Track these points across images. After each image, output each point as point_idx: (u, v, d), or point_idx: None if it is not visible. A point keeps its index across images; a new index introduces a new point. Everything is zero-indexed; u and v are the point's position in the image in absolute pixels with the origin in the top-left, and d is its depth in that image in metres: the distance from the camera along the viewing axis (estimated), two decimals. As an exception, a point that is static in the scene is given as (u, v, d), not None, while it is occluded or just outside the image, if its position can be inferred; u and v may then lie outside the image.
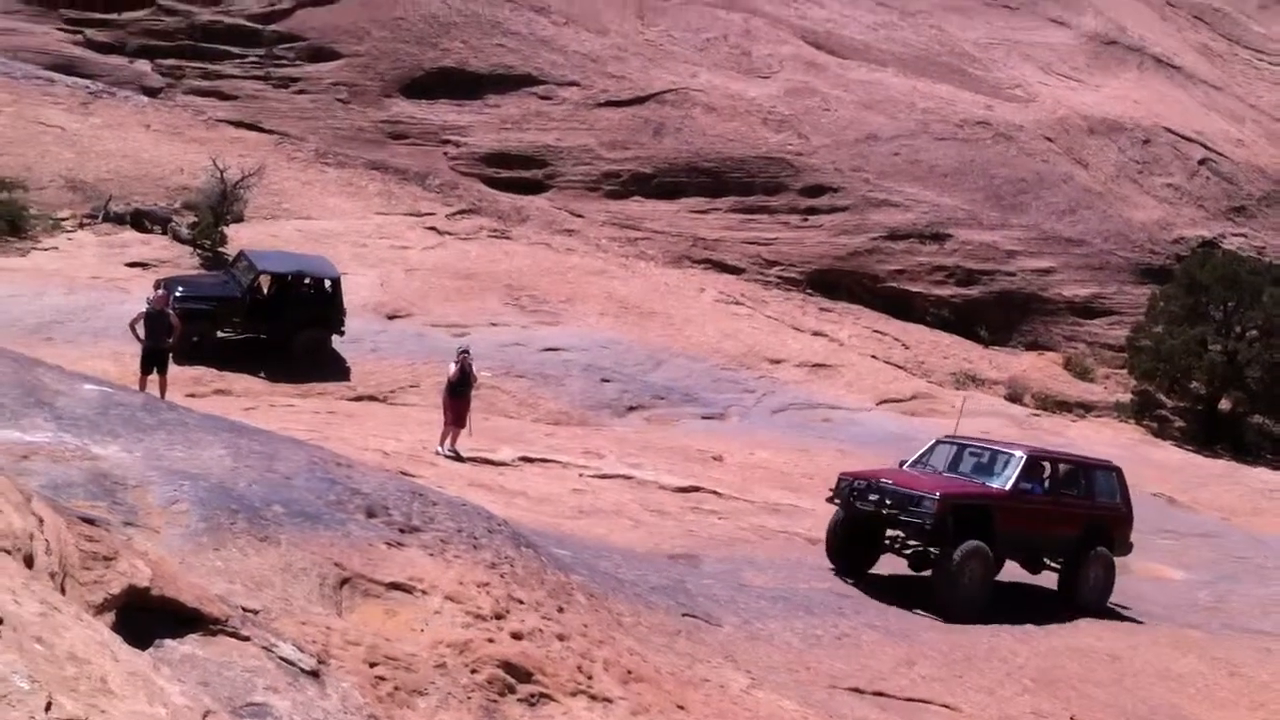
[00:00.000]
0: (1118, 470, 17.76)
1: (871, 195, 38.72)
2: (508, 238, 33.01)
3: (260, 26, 36.60)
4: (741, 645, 11.54)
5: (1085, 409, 35.39)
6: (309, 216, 30.62)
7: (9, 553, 4.62)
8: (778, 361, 30.19)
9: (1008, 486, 16.00)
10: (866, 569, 16.33)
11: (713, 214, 37.40)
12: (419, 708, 6.97)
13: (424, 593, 8.05)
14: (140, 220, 28.26)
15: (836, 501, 16.18)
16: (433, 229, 31.97)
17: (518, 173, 36.50)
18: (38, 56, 33.79)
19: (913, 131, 41.11)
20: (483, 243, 32.02)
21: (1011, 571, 16.58)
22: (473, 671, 7.49)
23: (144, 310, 18.47)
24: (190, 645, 5.82)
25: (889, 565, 16.63)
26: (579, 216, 36.02)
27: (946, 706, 11.79)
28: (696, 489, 19.51)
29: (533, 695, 7.75)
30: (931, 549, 15.72)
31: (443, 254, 30.44)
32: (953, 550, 15.07)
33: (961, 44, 48.07)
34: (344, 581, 7.73)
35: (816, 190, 38.43)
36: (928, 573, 15.97)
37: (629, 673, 8.70)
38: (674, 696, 8.93)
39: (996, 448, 17.26)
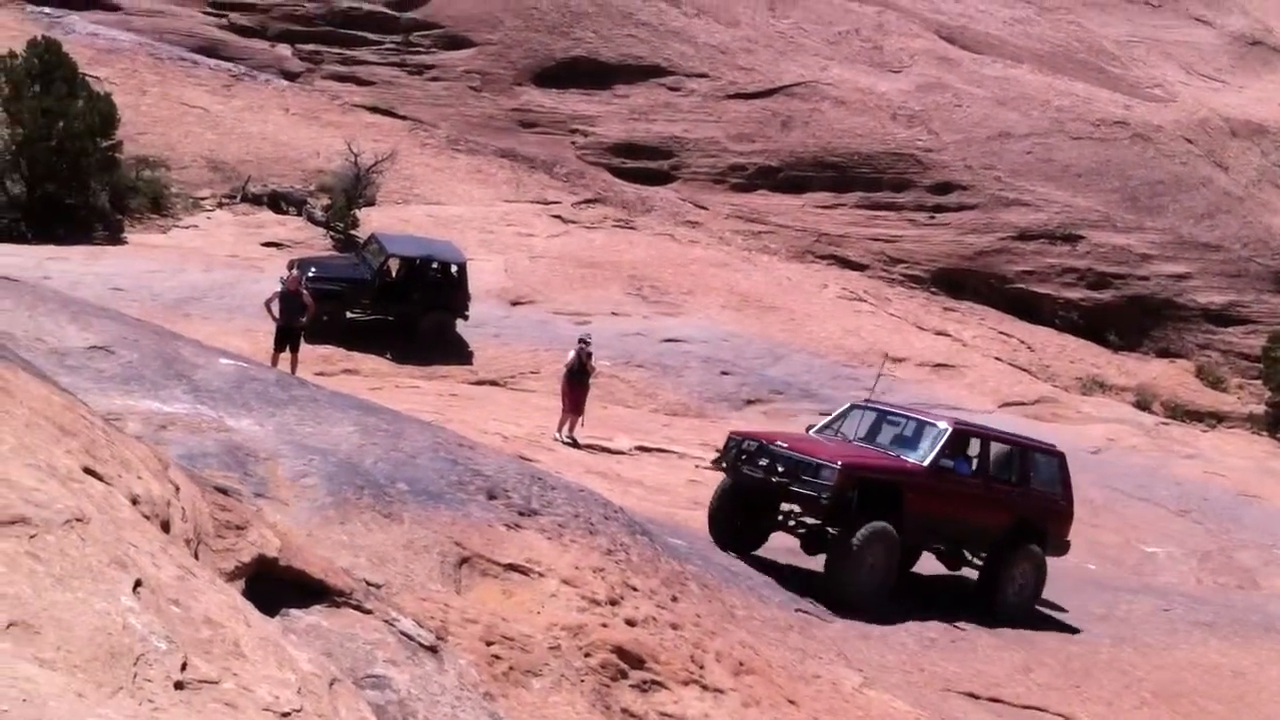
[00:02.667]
0: (1060, 456, 15.49)
1: (1002, 194, 38.03)
2: (632, 228, 33.14)
3: (397, 14, 37.21)
4: (854, 643, 11.48)
5: (1217, 419, 34.34)
6: (439, 202, 31.10)
7: (148, 518, 4.78)
8: (899, 360, 29.84)
9: (925, 462, 13.72)
10: (754, 547, 14.16)
11: (838, 209, 37.07)
12: (533, 688, 7.07)
13: (541, 575, 8.15)
14: (277, 201, 29.01)
15: (722, 466, 14.06)
16: (558, 217, 32.24)
17: (644, 163, 36.58)
18: (184, 39, 34.79)
19: (1047, 130, 40.27)
20: (607, 232, 32.20)
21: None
22: (586, 655, 7.57)
23: (278, 290, 18.98)
24: (315, 616, 5.97)
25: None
26: (703, 208, 35.99)
27: (1063, 716, 11.60)
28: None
29: (645, 682, 7.81)
30: (830, 529, 13.59)
31: (567, 242, 30.69)
32: (853, 532, 12.86)
33: (1100, 41, 46.93)
34: (463, 560, 7.87)
35: (945, 188, 37.86)
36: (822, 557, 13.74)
37: (741, 665, 8.72)
38: (785, 691, 8.92)
39: (919, 417, 15.07)
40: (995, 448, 14.81)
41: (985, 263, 36.93)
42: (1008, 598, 14.31)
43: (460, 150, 34.25)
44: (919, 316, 33.66)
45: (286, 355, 18.55)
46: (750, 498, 13.96)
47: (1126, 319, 37.28)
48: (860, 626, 12.17)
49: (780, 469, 13.17)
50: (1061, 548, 15.25)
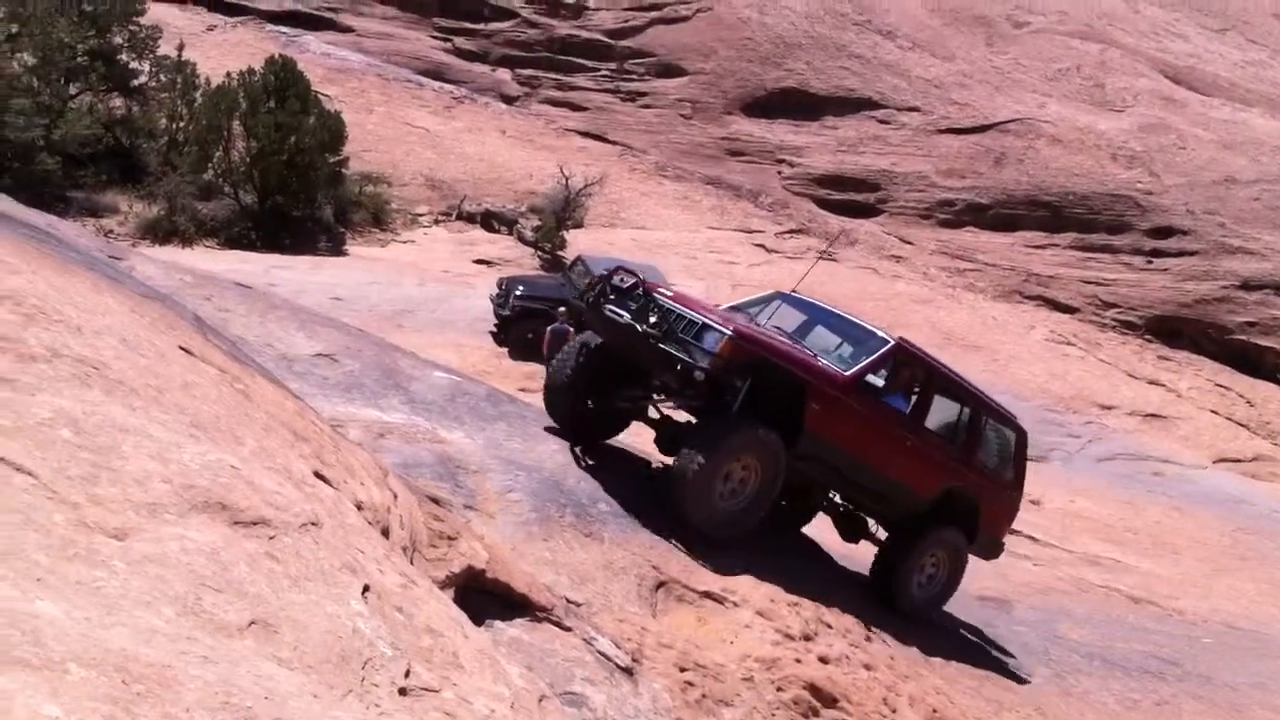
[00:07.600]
0: (1020, 432, 11.86)
1: (1226, 241, 36.42)
2: (834, 260, 32.90)
3: (613, 42, 37.93)
4: (1052, 699, 11.11)
5: None
6: (644, 226, 31.48)
7: (371, 524, 4.97)
8: (1108, 408, 28.83)
9: (849, 372, 10.08)
10: (602, 437, 10.66)
11: (1049, 249, 36.10)
12: (724, 718, 7.06)
13: (735, 605, 8.16)
14: (489, 220, 29.84)
15: (580, 302, 10.50)
16: (761, 246, 32.25)
17: (849, 195, 36.34)
18: (410, 61, 36.15)
19: (1277, 176, 38.42)
20: (809, 263, 32.02)
21: None
22: (779, 689, 7.53)
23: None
24: (517, 629, 6.10)
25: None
26: (908, 243, 35.51)
27: (1272, 794, 11.00)
28: (1010, 531, 18.83)
29: (836, 721, 7.72)
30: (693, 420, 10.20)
31: (769, 271, 30.62)
32: (725, 431, 9.31)
33: (1341, 85, 44.62)
34: (660, 585, 7.93)
35: (1165, 232, 36.48)
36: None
37: (934, 711, 8.54)
38: (978, 742, 8.71)
39: (858, 321, 11.40)
40: (942, 389, 11.14)
41: (1204, 311, 35.40)
42: (907, 591, 10.80)
43: (667, 176, 34.62)
44: (1131, 364, 32.47)
45: None
46: (607, 360, 10.24)
47: (1357, 378, 35.22)
48: (1059, 682, 11.78)
49: (654, 319, 9.48)
50: (993, 548, 11.93)
